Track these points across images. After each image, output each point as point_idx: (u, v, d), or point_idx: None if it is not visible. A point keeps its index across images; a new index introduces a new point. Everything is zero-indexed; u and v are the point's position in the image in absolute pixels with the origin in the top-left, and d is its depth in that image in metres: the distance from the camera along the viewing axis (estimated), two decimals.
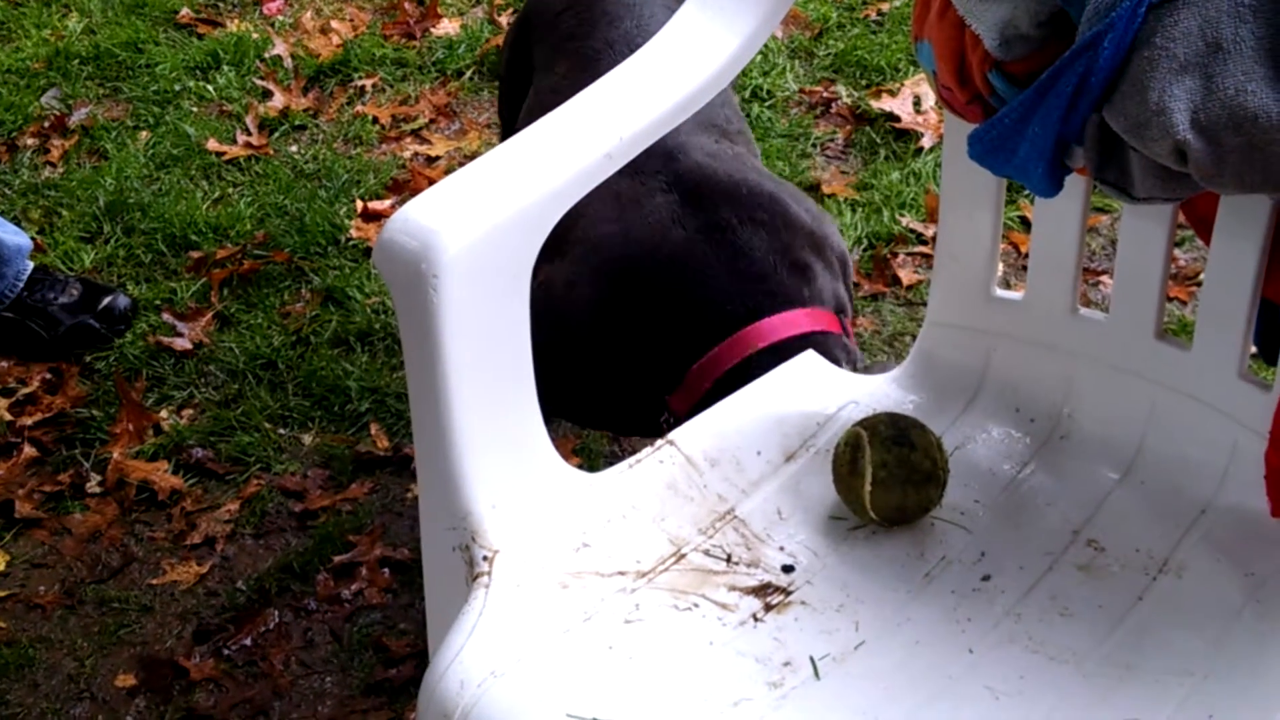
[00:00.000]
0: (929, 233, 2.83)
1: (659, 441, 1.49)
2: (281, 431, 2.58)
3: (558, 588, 1.35)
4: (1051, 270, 1.51)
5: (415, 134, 3.29)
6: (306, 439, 2.56)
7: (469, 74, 3.43)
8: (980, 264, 1.54)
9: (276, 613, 2.26)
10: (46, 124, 3.38)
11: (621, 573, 1.38)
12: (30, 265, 2.83)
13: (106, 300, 2.82)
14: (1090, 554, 1.41)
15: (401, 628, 2.22)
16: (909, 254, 2.79)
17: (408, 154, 3.22)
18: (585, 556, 1.38)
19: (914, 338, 2.58)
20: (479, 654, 1.28)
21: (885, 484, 1.41)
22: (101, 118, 3.39)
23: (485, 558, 1.35)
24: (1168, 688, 1.26)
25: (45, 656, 2.24)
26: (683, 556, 1.41)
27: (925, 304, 2.69)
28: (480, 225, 1.32)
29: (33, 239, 2.89)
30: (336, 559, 2.32)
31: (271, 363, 2.70)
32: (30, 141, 3.35)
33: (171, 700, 2.14)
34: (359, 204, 3.05)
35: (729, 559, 1.42)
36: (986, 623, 1.35)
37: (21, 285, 2.80)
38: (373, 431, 2.55)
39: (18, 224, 2.99)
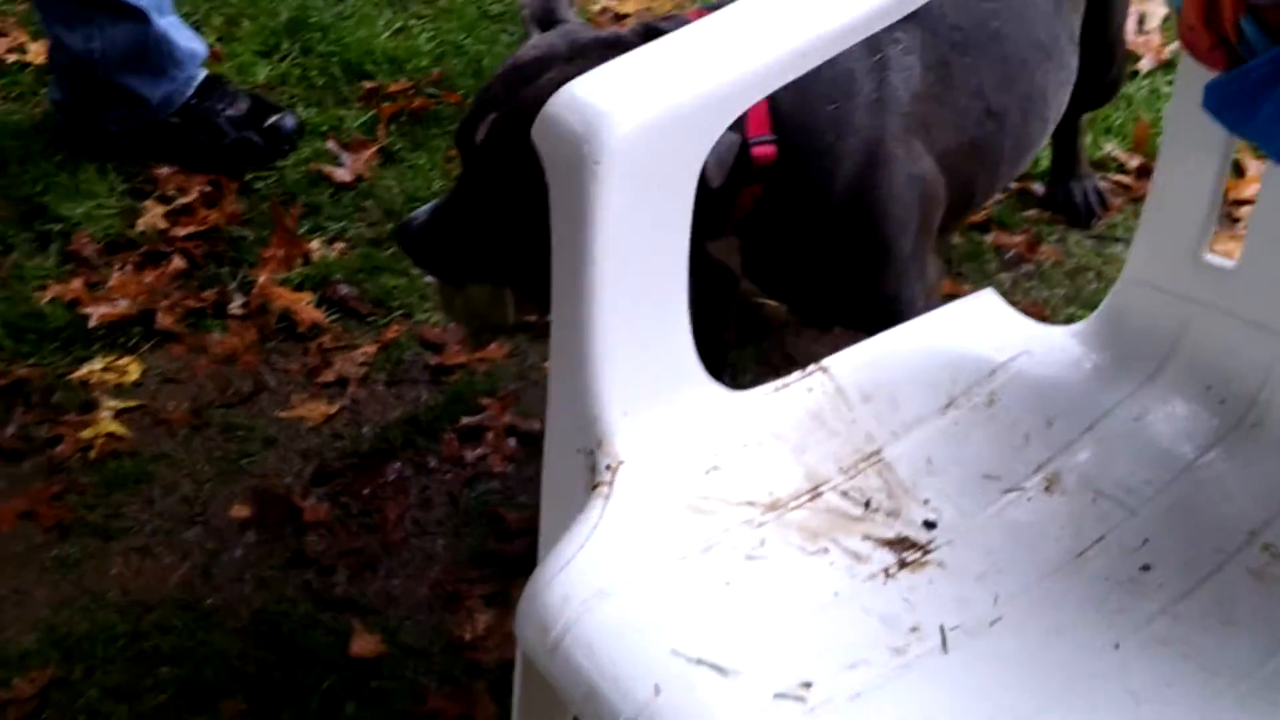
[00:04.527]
0: (1132, 163, 2.65)
1: (810, 366, 1.38)
2: (429, 280, 2.51)
3: (680, 510, 1.26)
4: (1273, 243, 1.36)
5: None
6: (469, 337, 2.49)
7: None
8: (1194, 224, 1.39)
9: (398, 465, 2.21)
10: None
11: (750, 503, 1.29)
12: (203, 73, 2.78)
13: (274, 118, 2.76)
14: (1265, 560, 1.28)
15: (520, 500, 2.16)
16: (1108, 182, 2.61)
17: (596, 8, 3.11)
18: (714, 480, 1.29)
19: (1098, 274, 2.43)
20: (588, 569, 1.20)
21: None
22: None
23: (609, 467, 1.27)
24: None
25: (165, 474, 2.22)
26: (818, 495, 1.31)
27: (1115, 239, 2.53)
28: (651, 112, 1.21)
29: (210, 47, 2.85)
30: (465, 420, 2.26)
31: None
32: None
33: (282, 539, 2.11)
34: None
35: (867, 505, 1.31)
36: (1138, 618, 1.23)
37: (191, 92, 2.76)
38: None
39: (198, 28, 2.95)
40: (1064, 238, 2.54)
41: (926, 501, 1.33)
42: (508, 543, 2.09)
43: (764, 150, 1.64)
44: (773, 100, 1.58)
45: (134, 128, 2.76)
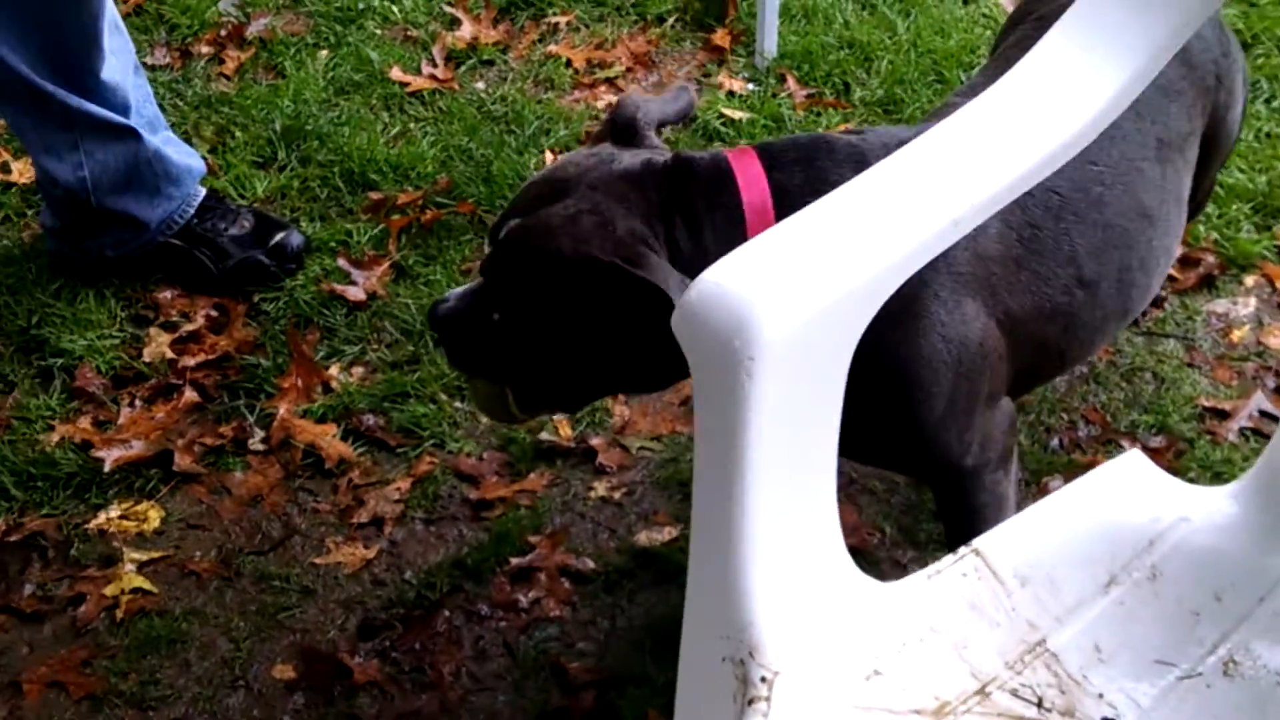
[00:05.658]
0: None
1: (962, 550, 1.29)
2: (458, 405, 2.40)
3: None
4: None
5: (610, 82, 3.08)
6: (484, 417, 2.38)
7: (671, 21, 3.20)
8: None
9: (447, 614, 2.09)
10: (223, 32, 3.21)
11: (917, 711, 1.18)
12: (202, 191, 2.66)
13: (279, 236, 2.65)
14: None
15: (580, 648, 2.04)
16: None
17: (601, 104, 3.01)
18: (876, 687, 1.19)
19: (1153, 374, 2.36)
20: None
21: None
22: (280, 31, 3.21)
23: (764, 679, 1.16)
24: None
25: (199, 633, 2.09)
26: (987, 695, 1.21)
27: (1165, 335, 2.46)
28: (806, 302, 1.11)
29: (204, 158, 2.72)
30: (514, 561, 2.15)
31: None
32: (205, 50, 3.18)
33: (332, 702, 1.99)
34: (549, 156, 2.84)
35: (1040, 703, 1.21)
36: None
37: (192, 211, 2.64)
38: (554, 417, 2.36)
39: (189, 140, 2.83)
40: (1114, 336, 2.45)
41: (1101, 695, 1.23)
42: (573, 697, 1.98)
43: None
44: None
45: (133, 251, 2.63)
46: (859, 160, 1.64)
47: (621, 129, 1.73)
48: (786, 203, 1.59)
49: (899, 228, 1.16)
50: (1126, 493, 1.37)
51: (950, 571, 1.28)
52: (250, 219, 2.67)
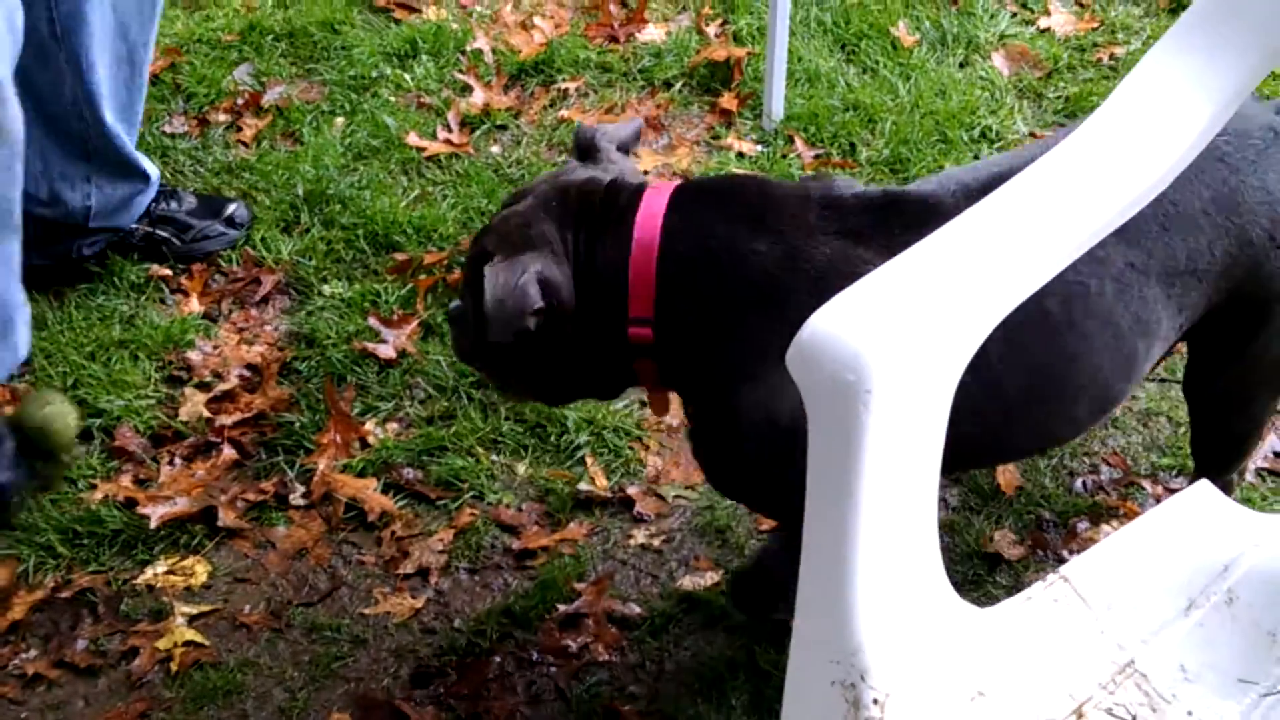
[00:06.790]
0: None
1: (1051, 576, 1.35)
2: (495, 459, 2.46)
3: None
4: None
5: None
6: (520, 468, 2.44)
7: (678, 86, 3.29)
8: None
9: (499, 661, 2.14)
10: (240, 101, 3.27)
11: None
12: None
13: (232, 208, 2.88)
14: None
15: (631, 691, 2.10)
16: None
17: None
18: (981, 708, 1.25)
19: (1168, 418, 2.44)
20: None
21: None
22: (296, 99, 3.27)
23: (876, 700, 1.22)
24: None
25: (254, 684, 2.13)
26: (1083, 715, 1.28)
27: (1177, 381, 2.54)
28: (919, 336, 1.18)
29: None
30: (560, 608, 2.20)
31: (481, 381, 2.58)
32: (222, 118, 3.24)
33: None
34: None
35: None
36: None
37: (151, 199, 2.83)
38: (590, 468, 2.42)
39: None
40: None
41: (1190, 713, 1.30)
42: None
43: (639, 332, 1.73)
44: (662, 280, 1.69)
45: (103, 248, 2.82)
46: (753, 211, 1.73)
47: (583, 149, 1.87)
48: (670, 245, 1.71)
49: (997, 269, 1.23)
50: (1199, 521, 1.44)
51: (1042, 597, 1.34)
52: (190, 195, 2.88)
